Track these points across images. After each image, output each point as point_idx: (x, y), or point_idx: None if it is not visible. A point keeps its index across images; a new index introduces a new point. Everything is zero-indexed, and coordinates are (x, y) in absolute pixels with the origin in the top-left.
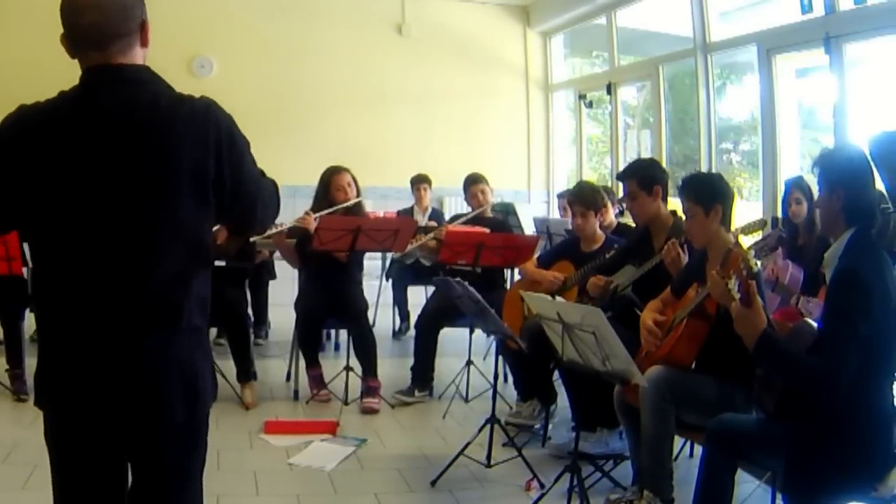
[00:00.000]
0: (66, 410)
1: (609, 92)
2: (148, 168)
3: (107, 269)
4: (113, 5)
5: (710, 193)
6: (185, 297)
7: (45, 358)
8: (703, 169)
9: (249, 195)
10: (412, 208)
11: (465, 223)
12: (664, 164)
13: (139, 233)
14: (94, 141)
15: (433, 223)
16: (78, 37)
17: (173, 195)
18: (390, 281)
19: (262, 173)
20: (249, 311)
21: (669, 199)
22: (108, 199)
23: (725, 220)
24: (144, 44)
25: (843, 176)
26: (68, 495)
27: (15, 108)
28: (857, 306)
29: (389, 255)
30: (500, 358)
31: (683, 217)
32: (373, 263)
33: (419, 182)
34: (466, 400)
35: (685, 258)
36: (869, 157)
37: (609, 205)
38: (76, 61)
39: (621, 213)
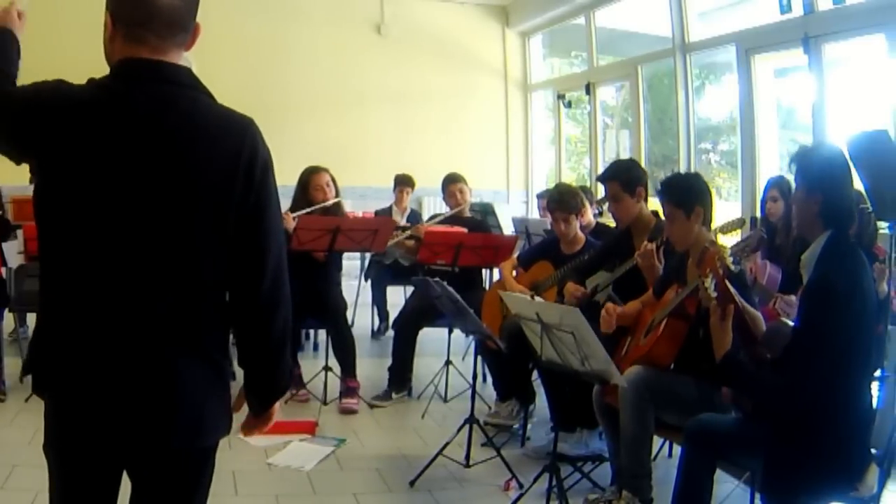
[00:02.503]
0: (70, 409)
1: (588, 92)
2: (169, 178)
3: (112, 281)
4: None
5: (689, 196)
6: (195, 320)
7: (49, 346)
8: (682, 169)
9: (268, 228)
10: (390, 208)
11: (441, 222)
12: (643, 164)
13: (151, 245)
14: (120, 141)
15: (410, 225)
16: (147, 18)
17: (192, 211)
18: (369, 281)
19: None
20: None
21: (650, 199)
22: (125, 203)
23: (706, 219)
24: (189, 47)
25: (821, 178)
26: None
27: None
28: (830, 320)
29: (368, 255)
30: (479, 358)
31: (665, 221)
32: (352, 263)
33: (403, 184)
34: (445, 400)
35: (661, 267)
36: (848, 158)
37: (587, 205)
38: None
39: (600, 214)
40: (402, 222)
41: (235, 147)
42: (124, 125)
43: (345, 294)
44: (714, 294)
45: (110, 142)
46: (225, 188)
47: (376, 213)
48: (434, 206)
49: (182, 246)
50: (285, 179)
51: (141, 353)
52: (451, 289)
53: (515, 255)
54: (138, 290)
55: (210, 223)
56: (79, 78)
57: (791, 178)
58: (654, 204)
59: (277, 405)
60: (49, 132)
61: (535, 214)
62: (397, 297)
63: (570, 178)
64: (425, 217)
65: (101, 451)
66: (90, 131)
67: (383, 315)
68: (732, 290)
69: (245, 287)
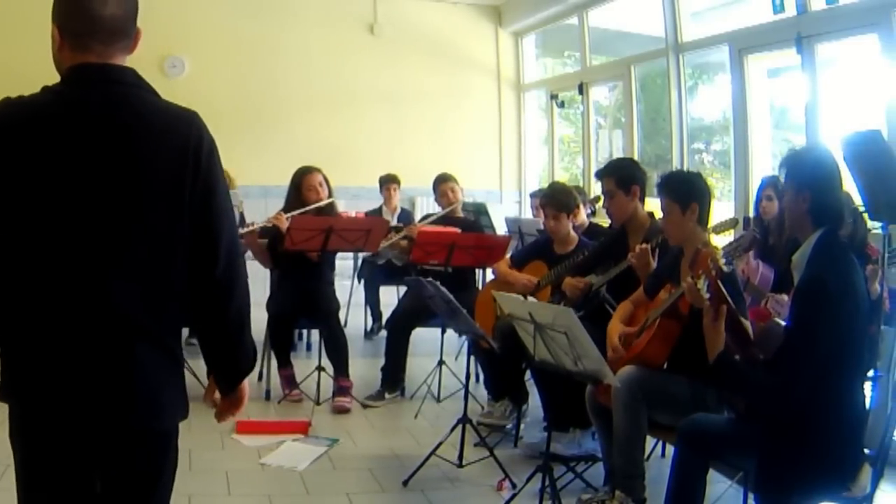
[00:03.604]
0: (34, 408)
1: (581, 92)
2: (125, 173)
3: (76, 273)
4: (131, 3)
5: (686, 191)
6: (155, 310)
7: (12, 353)
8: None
9: (219, 210)
10: (380, 209)
11: (434, 222)
12: None
13: (111, 240)
14: (78, 141)
15: (402, 226)
16: (91, 28)
17: (148, 203)
18: (362, 281)
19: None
20: None
21: (647, 199)
22: (85, 203)
23: (703, 218)
24: (132, 51)
25: (810, 177)
26: (34, 495)
27: None
28: (822, 320)
29: (361, 256)
30: (472, 358)
31: (661, 217)
32: (345, 263)
33: (388, 182)
34: (438, 400)
35: (654, 265)
36: (840, 159)
37: (581, 205)
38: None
39: (593, 214)
40: (394, 222)
41: (182, 138)
42: (81, 126)
43: (338, 294)
44: (707, 295)
45: (69, 142)
46: (176, 177)
47: (366, 214)
48: (427, 205)
49: (141, 238)
50: (278, 179)
51: (103, 343)
52: (444, 289)
53: (508, 255)
54: (100, 283)
55: (166, 213)
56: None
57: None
58: (650, 204)
59: (246, 384)
60: (10, 146)
61: (528, 214)
62: (390, 297)
63: (563, 178)
64: (417, 216)
65: (66, 440)
66: (50, 135)
67: (376, 315)
68: (724, 291)
69: (200, 269)
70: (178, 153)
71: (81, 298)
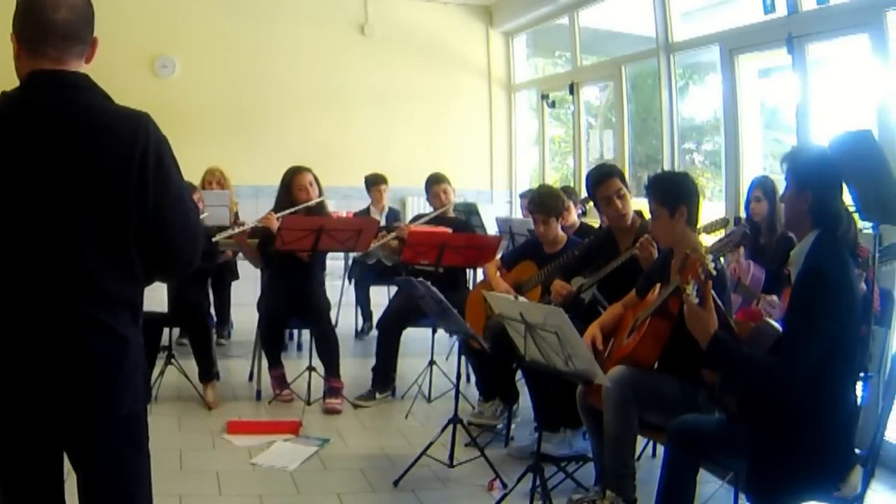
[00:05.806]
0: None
1: (572, 92)
2: (70, 174)
3: (28, 268)
4: (84, 10)
5: (675, 195)
6: (104, 304)
7: None
8: (666, 169)
9: (175, 212)
10: (368, 209)
11: (426, 223)
12: (627, 165)
13: (59, 238)
14: (27, 144)
15: (396, 225)
16: (44, 33)
17: (92, 202)
18: (353, 281)
19: (193, 207)
20: (212, 311)
21: (634, 199)
22: (35, 201)
23: (692, 220)
24: (89, 60)
25: (813, 178)
26: (8, 489)
27: None
28: (821, 306)
29: (352, 256)
30: (463, 358)
31: (649, 218)
32: (335, 263)
33: (377, 182)
34: (429, 400)
35: (656, 255)
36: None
37: (571, 206)
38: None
39: (584, 214)
40: (382, 221)
41: (129, 136)
42: (30, 127)
43: (328, 294)
44: (696, 300)
45: (20, 143)
46: (121, 174)
47: (354, 215)
48: (418, 205)
49: (89, 232)
50: (268, 179)
51: (56, 337)
52: (434, 289)
53: (499, 255)
54: (52, 277)
55: (113, 209)
56: None
57: (778, 178)
58: (637, 204)
59: None
60: None
61: (518, 214)
62: (381, 297)
63: (553, 179)
64: (407, 216)
65: (29, 434)
66: (2, 137)
67: (367, 315)
68: (714, 295)
69: (155, 262)
70: (122, 151)
71: (33, 293)
